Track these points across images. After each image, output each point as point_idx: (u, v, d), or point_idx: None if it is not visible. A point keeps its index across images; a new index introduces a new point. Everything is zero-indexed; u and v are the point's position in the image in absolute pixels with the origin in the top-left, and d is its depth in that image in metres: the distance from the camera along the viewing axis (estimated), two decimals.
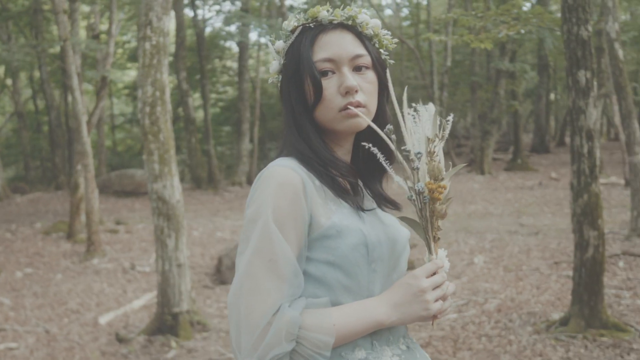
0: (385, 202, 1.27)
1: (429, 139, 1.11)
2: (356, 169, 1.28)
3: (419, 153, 1.11)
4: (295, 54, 1.21)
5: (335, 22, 1.21)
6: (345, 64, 1.19)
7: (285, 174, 1.11)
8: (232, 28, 16.76)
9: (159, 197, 4.86)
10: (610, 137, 22.29)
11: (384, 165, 1.15)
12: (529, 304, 5.09)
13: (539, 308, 4.94)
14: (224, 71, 21.75)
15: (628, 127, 7.98)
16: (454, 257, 6.14)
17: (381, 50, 1.26)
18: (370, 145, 1.15)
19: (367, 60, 1.21)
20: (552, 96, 23.75)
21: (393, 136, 1.15)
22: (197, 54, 17.39)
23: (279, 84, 1.27)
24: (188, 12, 17.93)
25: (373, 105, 1.22)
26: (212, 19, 19.25)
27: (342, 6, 1.24)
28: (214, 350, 4.48)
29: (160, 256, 4.89)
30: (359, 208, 1.18)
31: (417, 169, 1.11)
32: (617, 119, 11.38)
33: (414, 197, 1.12)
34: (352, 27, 1.22)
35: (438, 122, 1.12)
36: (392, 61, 1.28)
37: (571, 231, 7.99)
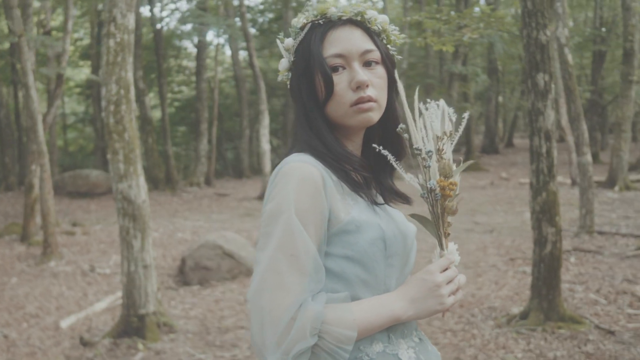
0: (397, 196, 1.29)
1: (437, 136, 1.13)
2: (367, 163, 1.28)
3: (430, 151, 1.12)
4: (305, 51, 1.21)
5: (344, 18, 1.21)
6: (355, 59, 1.19)
7: (305, 169, 1.11)
8: (188, 27, 16.55)
9: (124, 197, 4.77)
10: (555, 139, 23.17)
11: (395, 165, 1.17)
12: (489, 299, 5.26)
13: (499, 303, 5.12)
14: (179, 70, 21.43)
15: (577, 128, 8.31)
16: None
17: (389, 46, 1.27)
18: (381, 147, 1.16)
19: (376, 55, 1.21)
20: (500, 99, 24.51)
21: (406, 135, 1.16)
22: (154, 52, 17.07)
23: (288, 82, 1.27)
24: (144, 11, 17.61)
25: (383, 100, 1.23)
26: (169, 17, 18.92)
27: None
28: (182, 351, 4.44)
29: (125, 257, 4.80)
30: (374, 202, 1.20)
31: (429, 167, 1.12)
32: (564, 121, 11.85)
33: (426, 195, 1.14)
34: (360, 23, 1.22)
35: (452, 119, 1.16)
36: (399, 57, 1.30)
37: (523, 229, 8.29)
